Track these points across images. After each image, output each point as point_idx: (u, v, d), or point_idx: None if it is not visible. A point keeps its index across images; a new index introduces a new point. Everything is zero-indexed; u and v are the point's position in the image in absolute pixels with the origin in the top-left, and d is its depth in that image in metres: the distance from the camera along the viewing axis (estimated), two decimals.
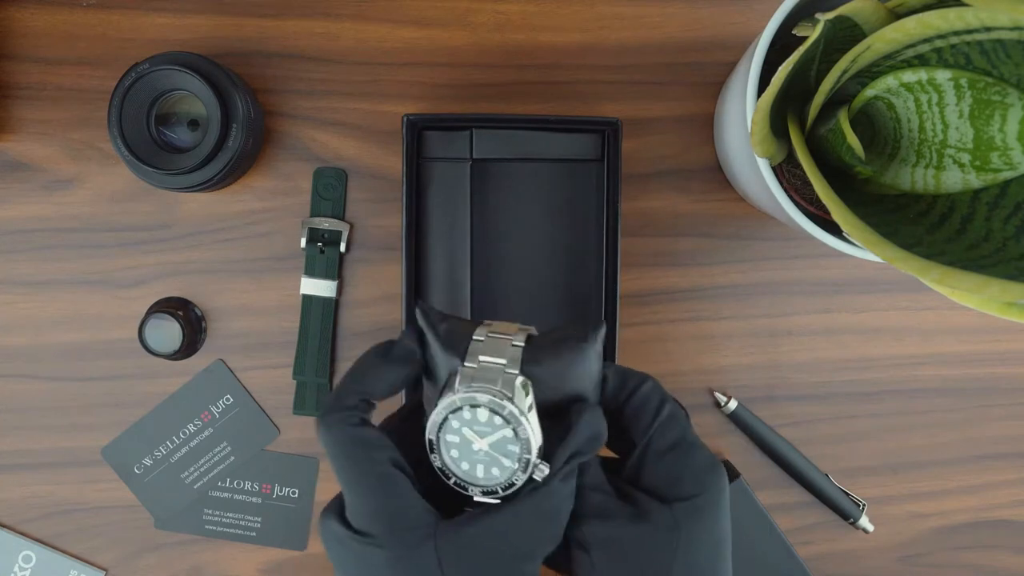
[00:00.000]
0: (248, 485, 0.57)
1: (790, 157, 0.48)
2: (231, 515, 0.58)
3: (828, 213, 0.44)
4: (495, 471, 0.35)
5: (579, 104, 0.57)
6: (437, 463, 0.36)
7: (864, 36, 0.41)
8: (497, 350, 0.36)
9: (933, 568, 0.60)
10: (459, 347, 0.36)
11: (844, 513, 0.59)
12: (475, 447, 0.35)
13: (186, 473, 0.57)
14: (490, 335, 0.36)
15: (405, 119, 0.52)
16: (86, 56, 0.56)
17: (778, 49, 0.45)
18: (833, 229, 0.46)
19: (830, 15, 0.38)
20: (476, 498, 0.36)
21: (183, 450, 0.57)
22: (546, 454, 0.36)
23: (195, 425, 0.57)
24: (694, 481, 0.34)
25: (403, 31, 0.57)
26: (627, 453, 0.37)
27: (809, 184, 0.49)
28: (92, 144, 0.56)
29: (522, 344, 0.36)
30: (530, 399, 0.35)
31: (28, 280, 0.57)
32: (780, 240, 0.58)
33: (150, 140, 0.52)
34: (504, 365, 0.36)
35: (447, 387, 0.36)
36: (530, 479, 0.35)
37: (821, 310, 0.59)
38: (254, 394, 0.58)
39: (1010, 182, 0.42)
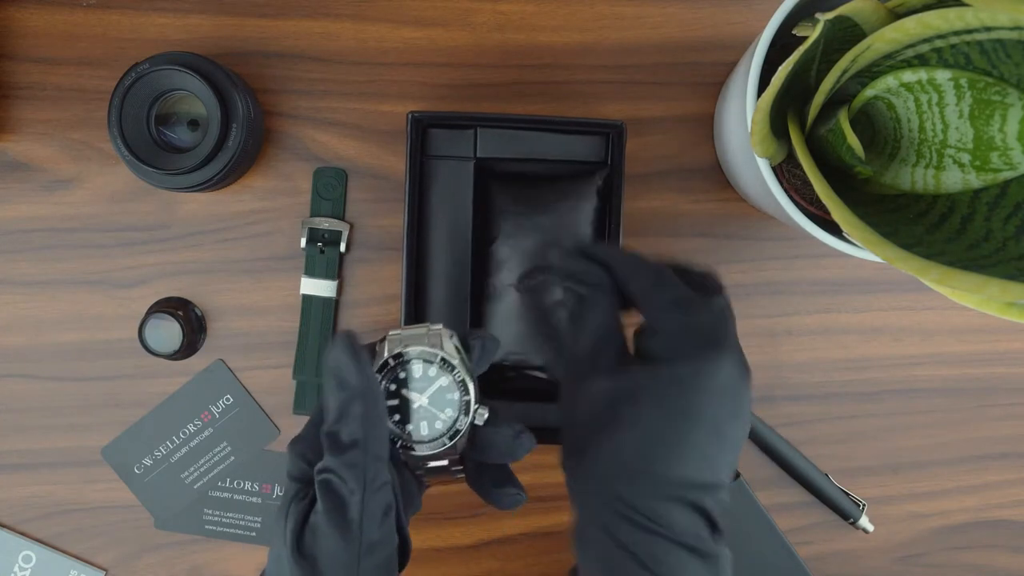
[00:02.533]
0: (248, 485, 0.57)
1: (790, 157, 0.48)
2: (231, 515, 0.58)
3: (828, 213, 0.44)
4: (438, 424, 0.38)
5: (579, 104, 0.57)
6: None
7: (864, 36, 0.41)
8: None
9: (933, 568, 0.60)
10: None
11: (844, 513, 0.59)
12: (415, 405, 0.37)
13: (186, 473, 0.57)
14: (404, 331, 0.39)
15: (410, 116, 0.52)
16: (86, 56, 0.56)
17: (778, 49, 0.45)
18: (833, 229, 0.46)
19: (830, 15, 0.38)
20: (421, 454, 0.38)
21: (183, 450, 0.57)
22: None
23: (195, 425, 0.57)
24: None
25: (403, 31, 0.57)
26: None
27: (809, 184, 0.49)
28: (92, 144, 0.56)
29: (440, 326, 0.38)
30: (457, 345, 0.38)
31: (28, 280, 0.57)
32: (780, 240, 0.58)
33: (150, 140, 0.52)
34: (427, 326, 0.38)
35: (377, 356, 0.38)
36: (472, 423, 0.38)
37: (821, 310, 0.59)
38: (254, 394, 0.58)
39: (1010, 182, 0.42)
